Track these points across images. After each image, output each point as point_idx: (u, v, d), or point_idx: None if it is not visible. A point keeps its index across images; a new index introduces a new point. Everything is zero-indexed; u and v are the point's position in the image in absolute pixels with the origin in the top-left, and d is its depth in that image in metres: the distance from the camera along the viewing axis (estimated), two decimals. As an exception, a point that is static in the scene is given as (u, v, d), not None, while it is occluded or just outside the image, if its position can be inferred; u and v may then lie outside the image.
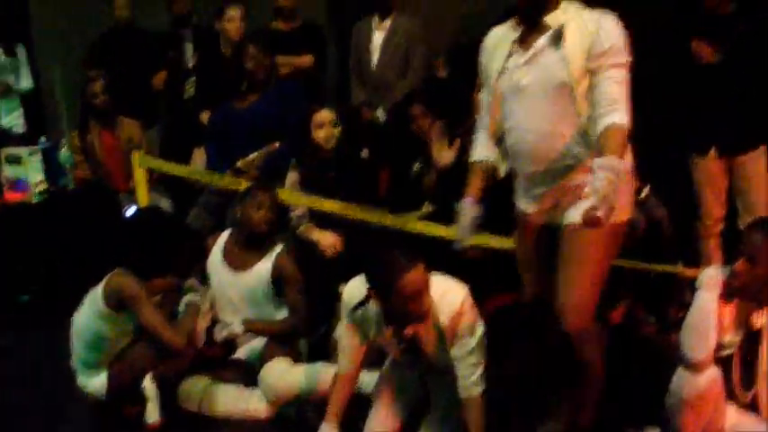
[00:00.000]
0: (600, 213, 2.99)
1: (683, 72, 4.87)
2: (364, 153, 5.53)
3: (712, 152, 4.94)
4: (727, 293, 3.80)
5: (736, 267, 3.77)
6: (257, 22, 6.48)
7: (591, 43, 3.28)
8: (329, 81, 6.84)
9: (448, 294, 3.64)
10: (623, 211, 3.41)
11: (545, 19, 3.37)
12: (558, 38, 3.33)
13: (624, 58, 3.31)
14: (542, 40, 3.37)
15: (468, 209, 3.64)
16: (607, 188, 3.01)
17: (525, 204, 3.63)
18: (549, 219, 3.55)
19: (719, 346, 3.72)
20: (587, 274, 3.43)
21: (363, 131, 5.88)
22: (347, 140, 5.09)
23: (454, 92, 5.36)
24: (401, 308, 3.50)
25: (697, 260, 4.90)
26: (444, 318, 3.62)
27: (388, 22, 6.18)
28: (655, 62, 4.92)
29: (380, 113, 6.06)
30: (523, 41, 3.43)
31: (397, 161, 5.26)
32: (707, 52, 4.74)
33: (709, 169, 4.98)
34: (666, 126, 5.06)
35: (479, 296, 3.84)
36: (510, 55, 3.47)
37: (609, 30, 3.30)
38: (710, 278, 3.86)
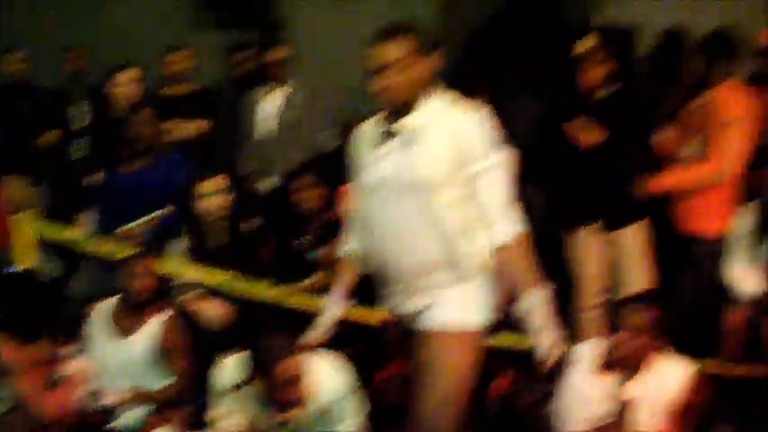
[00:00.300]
0: (556, 351, 3.14)
1: (564, 150, 5.01)
2: (253, 223, 5.53)
3: (594, 226, 5.07)
4: (607, 365, 3.94)
5: (617, 339, 3.91)
6: (150, 86, 6.46)
7: (460, 146, 3.19)
8: (222, 148, 6.84)
9: (330, 376, 3.68)
10: (482, 315, 3.33)
11: (411, 115, 3.25)
12: (422, 135, 3.21)
13: (498, 155, 3.26)
14: (406, 137, 3.24)
15: (333, 306, 3.55)
16: (550, 322, 3.12)
17: (389, 302, 3.47)
18: (408, 318, 3.40)
19: (597, 417, 3.83)
20: (444, 383, 3.26)
21: (252, 201, 5.89)
22: (236, 210, 5.11)
23: (342, 165, 5.43)
24: (279, 392, 3.52)
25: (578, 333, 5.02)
26: (325, 399, 3.65)
27: (279, 93, 6.21)
28: (536, 141, 5.14)
29: (270, 183, 6.08)
30: (388, 136, 3.30)
31: (284, 233, 5.27)
32: (588, 134, 4.92)
33: (590, 243, 5.08)
34: (547, 201, 5.24)
35: (368, 364, 3.89)
36: (375, 148, 3.33)
37: (479, 131, 3.23)
38: (584, 352, 4.00)
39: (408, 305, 3.36)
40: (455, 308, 3.27)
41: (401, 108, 3.24)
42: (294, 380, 3.50)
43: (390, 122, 3.27)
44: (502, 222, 3.23)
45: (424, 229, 3.22)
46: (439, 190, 3.18)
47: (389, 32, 3.21)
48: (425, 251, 3.24)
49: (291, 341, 3.51)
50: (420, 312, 3.33)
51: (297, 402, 3.59)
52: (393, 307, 3.45)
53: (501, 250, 3.22)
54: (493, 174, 3.22)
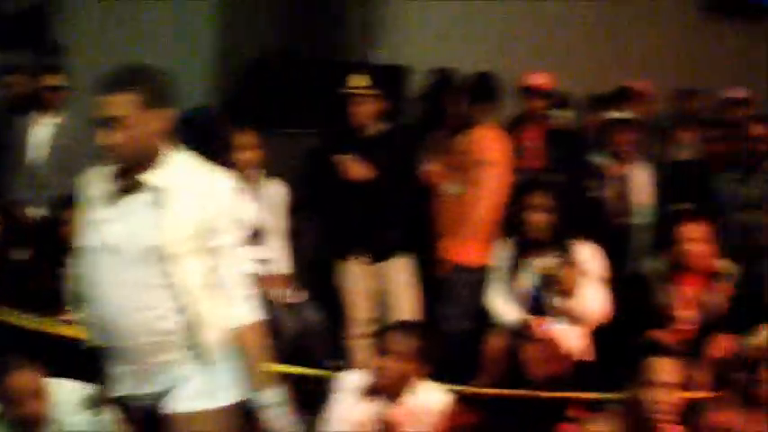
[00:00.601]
0: None
1: (335, 183, 5.14)
2: (22, 252, 5.36)
3: (362, 257, 5.21)
4: (371, 391, 4.07)
5: (383, 365, 4.05)
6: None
7: (206, 214, 2.87)
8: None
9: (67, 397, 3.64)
10: (229, 393, 2.99)
11: (150, 174, 2.87)
12: (159, 199, 2.86)
13: (238, 228, 3.01)
14: (140, 198, 2.87)
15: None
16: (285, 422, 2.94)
17: (117, 385, 3.01)
18: (145, 401, 3.00)
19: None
20: None
21: (22, 229, 5.72)
22: (4, 238, 4.95)
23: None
24: (11, 409, 3.49)
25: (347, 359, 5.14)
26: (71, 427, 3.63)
27: (52, 119, 6.10)
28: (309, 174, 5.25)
29: (39, 212, 5.89)
30: (119, 193, 2.91)
31: (52, 263, 5.13)
32: (356, 169, 5.07)
33: (359, 273, 5.23)
34: (317, 232, 5.36)
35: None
36: (105, 206, 2.92)
37: (226, 201, 2.94)
38: (351, 378, 4.12)
39: (145, 387, 2.97)
40: (197, 388, 2.94)
41: (134, 165, 2.87)
42: (24, 396, 3.47)
43: (124, 179, 2.90)
44: (239, 305, 2.95)
45: (158, 303, 2.85)
46: (177, 260, 2.84)
47: (117, 83, 2.83)
48: (160, 327, 2.87)
49: (25, 360, 3.49)
50: (159, 395, 2.96)
51: (34, 421, 3.55)
52: (128, 389, 2.99)
53: (236, 334, 2.94)
54: (234, 250, 2.96)
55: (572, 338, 4.82)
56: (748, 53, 8.58)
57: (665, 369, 3.84)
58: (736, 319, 4.70)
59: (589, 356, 4.89)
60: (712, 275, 4.90)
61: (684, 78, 7.69)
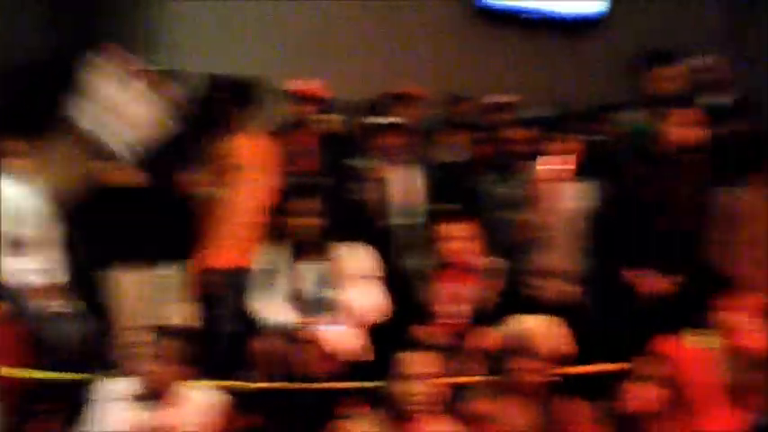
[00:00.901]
0: None
1: (102, 191, 5.16)
2: None
3: (133, 264, 5.23)
4: (140, 396, 4.11)
5: (151, 370, 4.10)
6: None
7: None
8: None
9: None
10: None
11: None
12: None
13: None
14: None
15: None
16: None
17: None
18: None
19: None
20: None
21: None
22: None
23: None
24: None
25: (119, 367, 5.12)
26: None
27: None
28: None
29: None
30: None
31: None
32: (123, 176, 5.06)
33: (129, 281, 5.24)
34: (87, 240, 5.31)
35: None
36: None
37: None
38: (120, 387, 4.15)
39: None
40: None
41: None
42: None
43: None
44: None
45: None
46: None
47: None
48: None
49: None
50: None
51: None
52: None
53: None
54: None
55: (344, 338, 4.95)
56: (517, 59, 8.94)
57: (419, 362, 4.03)
58: (502, 312, 4.81)
59: (363, 354, 5.02)
60: (477, 271, 5.09)
61: (456, 84, 7.92)
